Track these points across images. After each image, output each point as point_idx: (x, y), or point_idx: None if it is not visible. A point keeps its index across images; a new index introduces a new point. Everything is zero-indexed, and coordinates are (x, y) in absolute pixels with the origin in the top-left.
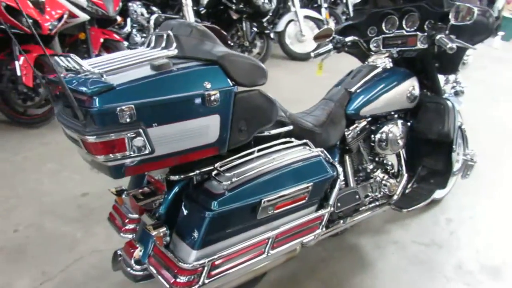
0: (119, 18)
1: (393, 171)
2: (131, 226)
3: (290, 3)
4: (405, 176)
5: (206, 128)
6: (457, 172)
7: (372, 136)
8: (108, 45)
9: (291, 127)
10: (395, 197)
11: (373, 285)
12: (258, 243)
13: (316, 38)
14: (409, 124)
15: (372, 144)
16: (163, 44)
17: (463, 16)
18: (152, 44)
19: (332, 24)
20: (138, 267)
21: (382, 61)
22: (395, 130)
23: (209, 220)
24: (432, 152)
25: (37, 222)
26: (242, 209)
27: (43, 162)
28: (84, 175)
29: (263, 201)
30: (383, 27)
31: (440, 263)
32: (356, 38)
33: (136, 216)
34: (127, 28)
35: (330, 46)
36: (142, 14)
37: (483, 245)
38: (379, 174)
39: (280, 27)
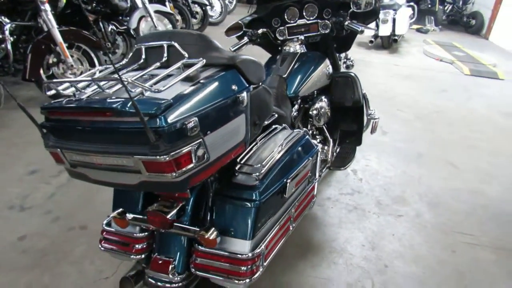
0: None
1: (321, 139)
2: (140, 246)
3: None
4: (331, 141)
5: (238, 128)
6: (365, 129)
7: (310, 112)
8: None
9: (276, 116)
10: (329, 160)
11: (333, 235)
12: (287, 220)
13: (228, 31)
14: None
15: (310, 119)
16: (165, 55)
17: (364, 5)
18: (143, 56)
19: (178, 17)
20: (179, 278)
21: (297, 47)
22: (324, 104)
23: (255, 210)
24: (346, 117)
25: None
26: (275, 192)
27: None
28: (6, 217)
29: (287, 181)
30: (286, 18)
31: (366, 204)
32: (265, 29)
33: (142, 234)
34: None
35: (245, 39)
36: None
37: (384, 182)
38: None
39: (133, 24)
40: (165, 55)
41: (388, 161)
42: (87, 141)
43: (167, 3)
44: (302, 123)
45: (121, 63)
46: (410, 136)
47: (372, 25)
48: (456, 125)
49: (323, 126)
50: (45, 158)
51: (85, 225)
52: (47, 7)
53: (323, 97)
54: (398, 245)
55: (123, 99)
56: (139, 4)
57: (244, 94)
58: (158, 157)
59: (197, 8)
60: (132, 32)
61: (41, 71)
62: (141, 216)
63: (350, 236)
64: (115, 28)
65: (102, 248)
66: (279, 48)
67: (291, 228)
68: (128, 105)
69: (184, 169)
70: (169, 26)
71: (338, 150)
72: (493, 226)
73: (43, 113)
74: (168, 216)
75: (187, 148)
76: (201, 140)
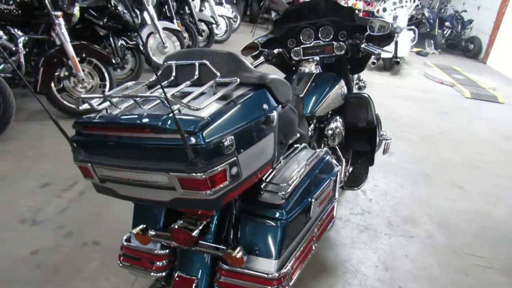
0: None
1: (334, 158)
2: (161, 263)
3: (146, 16)
4: (344, 161)
5: (267, 147)
6: (377, 149)
7: (325, 132)
8: None
9: (298, 135)
10: (342, 179)
11: (346, 255)
12: (310, 239)
13: (244, 50)
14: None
15: (325, 139)
16: (196, 73)
17: (378, 28)
18: (173, 74)
19: (185, 34)
20: None
21: (313, 68)
22: (339, 124)
23: (282, 229)
24: (358, 138)
25: None
26: (301, 211)
27: None
28: (18, 230)
29: (312, 201)
30: (301, 39)
31: (377, 225)
32: (280, 49)
33: (163, 251)
34: None
35: (262, 59)
36: None
37: (393, 203)
38: None
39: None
40: (197, 73)
41: (396, 181)
42: (120, 157)
43: (174, 21)
44: (316, 142)
45: (150, 80)
46: (415, 157)
47: (390, 48)
48: (460, 147)
49: (336, 146)
50: (56, 171)
51: (98, 241)
52: (61, 21)
53: (337, 117)
54: (412, 266)
55: (162, 116)
56: (148, 21)
57: (274, 113)
58: (195, 174)
59: (203, 26)
60: (141, 47)
61: (52, 84)
62: (163, 233)
63: (363, 256)
64: (124, 44)
65: (121, 265)
66: (293, 68)
67: (313, 248)
68: (169, 122)
69: (219, 187)
70: (177, 44)
71: (350, 170)
72: (503, 248)
73: (75, 128)
74: (193, 234)
75: (223, 166)
76: (235, 158)
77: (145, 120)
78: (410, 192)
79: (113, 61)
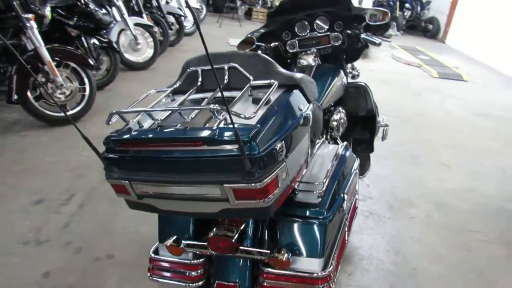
0: None
1: None
2: (196, 273)
3: (115, 12)
4: None
5: (304, 147)
6: (375, 136)
7: (330, 124)
8: None
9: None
10: None
11: (358, 242)
12: (344, 233)
13: (240, 45)
14: None
15: (331, 130)
16: (226, 77)
17: (380, 18)
18: (200, 79)
19: (156, 29)
20: None
21: (312, 60)
22: (342, 115)
23: (324, 228)
24: (357, 126)
25: None
26: (338, 208)
27: None
28: (23, 253)
29: (345, 196)
30: (296, 31)
31: (380, 210)
32: (277, 43)
33: (198, 260)
34: None
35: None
36: None
37: (390, 187)
38: None
39: (113, 38)
40: (226, 77)
41: (388, 165)
42: (165, 172)
43: (144, 15)
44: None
45: (174, 86)
46: (400, 139)
47: None
48: (438, 126)
49: (338, 137)
50: (47, 185)
51: (112, 254)
52: (33, 24)
53: (340, 108)
54: (419, 247)
55: (212, 127)
56: (118, 18)
57: (310, 113)
58: (253, 184)
59: (172, 19)
60: (114, 46)
61: (28, 93)
62: (197, 242)
63: (373, 242)
64: (98, 43)
65: (153, 278)
66: (288, 61)
67: (347, 242)
68: (225, 133)
69: (273, 193)
70: (150, 40)
71: None
72: (496, 222)
73: (107, 144)
74: (233, 240)
75: (276, 173)
76: (285, 163)
77: (197, 133)
78: (403, 175)
79: (91, 62)
